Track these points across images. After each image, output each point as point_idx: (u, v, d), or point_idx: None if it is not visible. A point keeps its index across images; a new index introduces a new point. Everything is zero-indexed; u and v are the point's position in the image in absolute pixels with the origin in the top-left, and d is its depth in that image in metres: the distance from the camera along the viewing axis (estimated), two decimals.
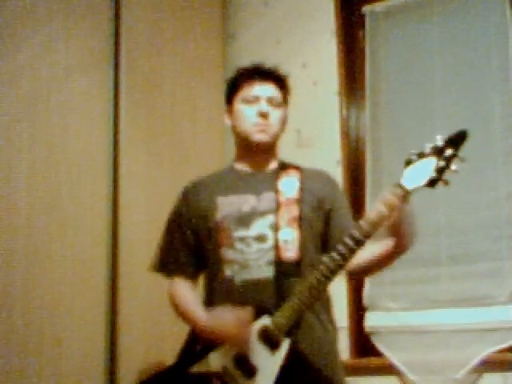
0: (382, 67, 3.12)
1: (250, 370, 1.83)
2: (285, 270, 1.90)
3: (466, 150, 1.74)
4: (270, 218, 1.97)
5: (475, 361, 2.62)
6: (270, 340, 1.83)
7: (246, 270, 1.93)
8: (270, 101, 2.05)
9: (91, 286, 2.63)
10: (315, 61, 3.23)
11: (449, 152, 1.72)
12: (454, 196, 2.76)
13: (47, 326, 2.46)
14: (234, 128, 2.11)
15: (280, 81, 2.11)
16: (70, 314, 2.54)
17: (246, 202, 2.01)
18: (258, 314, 1.85)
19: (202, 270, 2.09)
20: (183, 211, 2.10)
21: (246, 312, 1.83)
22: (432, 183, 1.72)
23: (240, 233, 1.97)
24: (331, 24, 3.21)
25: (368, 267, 1.98)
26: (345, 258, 1.78)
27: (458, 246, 2.82)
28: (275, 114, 2.06)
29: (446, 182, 1.72)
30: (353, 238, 1.77)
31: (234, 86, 2.11)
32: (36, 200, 2.49)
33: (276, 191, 2.02)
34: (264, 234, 1.96)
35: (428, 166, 1.73)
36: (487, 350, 2.62)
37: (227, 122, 2.14)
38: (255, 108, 2.04)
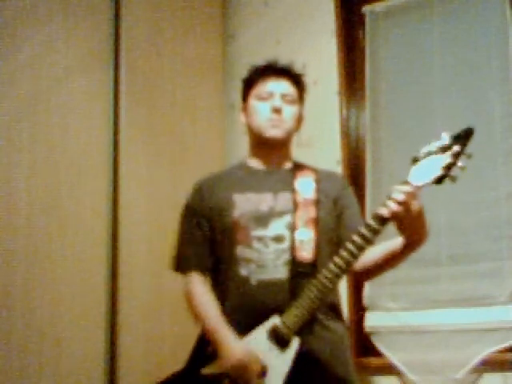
0: (381, 67, 3.12)
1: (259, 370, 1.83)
2: (300, 271, 1.91)
3: (470, 147, 1.75)
4: (288, 218, 1.98)
5: (475, 361, 2.62)
6: (279, 339, 1.84)
7: (262, 269, 1.92)
8: (283, 97, 2.05)
9: (91, 286, 2.63)
10: (315, 61, 3.23)
11: (456, 149, 1.73)
12: (454, 196, 2.76)
13: (47, 326, 2.46)
14: (248, 125, 2.11)
15: (294, 77, 2.10)
16: (70, 314, 2.54)
17: (264, 200, 2.00)
18: (270, 314, 1.86)
19: (214, 268, 2.06)
20: (198, 206, 2.07)
21: (258, 360, 1.83)
22: (440, 180, 1.73)
23: (258, 232, 1.96)
24: (331, 24, 3.21)
25: (375, 267, 1.98)
26: (353, 256, 1.79)
27: (458, 245, 2.81)
28: (289, 110, 2.05)
29: (454, 179, 1.73)
30: (361, 235, 1.78)
31: (248, 83, 2.11)
32: (36, 200, 2.49)
33: (293, 191, 2.02)
34: (281, 234, 1.96)
35: (435, 163, 1.73)
36: (487, 350, 2.61)
37: (242, 119, 2.13)
38: (269, 104, 2.04)
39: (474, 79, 2.89)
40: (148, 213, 2.87)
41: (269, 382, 1.82)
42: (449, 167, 1.72)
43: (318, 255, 1.95)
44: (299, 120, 2.11)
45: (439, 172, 1.72)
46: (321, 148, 3.15)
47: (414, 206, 1.73)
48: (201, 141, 3.17)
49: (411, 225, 1.78)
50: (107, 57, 2.85)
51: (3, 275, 2.37)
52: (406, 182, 1.75)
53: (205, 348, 1.93)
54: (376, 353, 2.86)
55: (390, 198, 1.74)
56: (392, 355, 2.80)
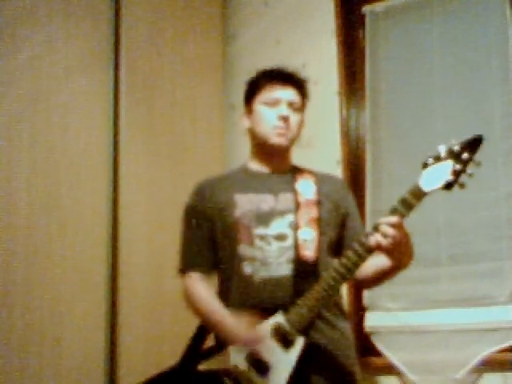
0: (381, 67, 3.12)
1: (262, 368, 1.84)
2: (303, 269, 1.93)
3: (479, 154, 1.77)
4: (290, 218, 2.00)
5: (475, 361, 2.61)
6: (283, 338, 1.84)
7: (266, 267, 1.94)
8: (290, 104, 2.07)
9: (91, 285, 2.63)
10: (315, 61, 3.23)
11: (465, 156, 1.75)
12: (454, 196, 2.74)
13: (47, 326, 2.46)
14: (251, 129, 2.11)
15: (301, 86, 2.12)
16: (70, 314, 2.54)
17: (264, 201, 2.02)
18: (273, 313, 1.86)
19: (216, 268, 2.08)
20: (199, 207, 2.09)
21: (262, 315, 1.85)
22: (449, 186, 1.76)
23: (260, 231, 1.98)
24: (331, 24, 3.21)
25: (367, 282, 2.04)
26: (361, 258, 1.80)
27: (458, 245, 2.81)
28: (294, 118, 2.07)
29: (463, 185, 1.77)
30: (363, 245, 1.80)
31: (254, 88, 2.11)
32: (36, 200, 2.49)
33: (294, 192, 2.05)
34: (284, 232, 1.98)
35: (445, 169, 1.76)
36: (487, 350, 2.61)
37: (245, 123, 2.13)
38: (275, 111, 2.05)
39: (474, 79, 2.89)
40: (148, 213, 2.87)
41: (273, 380, 1.82)
42: (458, 174, 1.75)
43: (320, 254, 1.97)
44: (301, 127, 2.13)
45: (449, 178, 1.75)
46: (321, 148, 3.15)
47: (401, 236, 1.76)
48: (201, 141, 3.17)
49: (397, 252, 1.82)
50: (107, 57, 2.85)
51: (3, 275, 2.37)
52: (416, 186, 1.76)
53: (201, 344, 1.94)
54: (376, 353, 2.86)
55: (377, 229, 1.76)
56: (392, 355, 2.80)
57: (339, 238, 2.07)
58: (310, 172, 2.15)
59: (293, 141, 2.10)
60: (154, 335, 2.79)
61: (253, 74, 2.17)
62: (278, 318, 1.86)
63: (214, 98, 3.28)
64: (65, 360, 2.49)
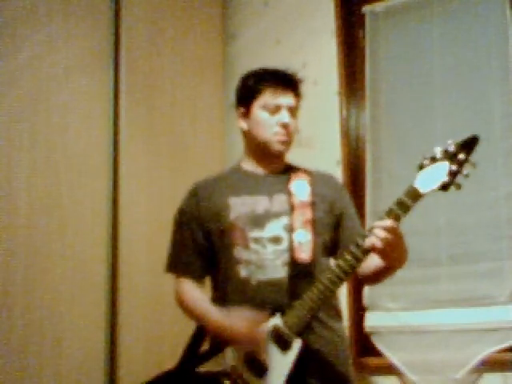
0: (381, 67, 3.12)
1: (260, 370, 1.84)
2: (299, 271, 1.92)
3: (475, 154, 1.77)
4: (284, 220, 1.99)
5: (475, 361, 2.62)
6: (281, 340, 1.84)
7: (261, 270, 1.94)
8: (290, 110, 2.06)
9: (91, 285, 2.63)
10: (315, 61, 3.23)
11: (461, 156, 1.75)
12: (454, 196, 2.74)
13: (47, 326, 2.46)
14: (249, 132, 2.10)
15: (298, 90, 2.11)
16: (70, 314, 2.54)
17: (259, 203, 2.02)
18: (270, 315, 1.86)
19: (210, 271, 2.08)
20: (193, 211, 2.08)
21: (260, 313, 1.85)
22: (445, 187, 1.76)
23: (255, 233, 1.97)
24: (331, 24, 3.21)
25: (367, 279, 2.04)
26: (357, 260, 1.80)
27: (458, 245, 2.81)
28: (294, 123, 2.07)
29: (459, 186, 1.76)
30: (360, 247, 1.80)
31: (253, 91, 2.08)
32: (36, 200, 2.49)
33: (288, 193, 2.04)
34: (279, 235, 1.97)
35: (441, 170, 1.75)
36: (487, 350, 2.61)
37: (242, 125, 2.11)
38: (276, 117, 2.04)
39: (474, 79, 2.89)
40: (148, 213, 2.87)
41: (270, 382, 1.82)
42: (454, 175, 1.75)
43: (316, 256, 1.96)
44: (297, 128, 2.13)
45: (445, 179, 1.75)
46: (321, 148, 3.15)
47: (395, 239, 1.76)
48: (201, 141, 3.17)
49: (391, 254, 1.81)
50: (107, 57, 2.84)
51: (3, 275, 2.36)
52: (412, 187, 1.75)
53: (199, 346, 1.94)
54: (376, 353, 2.86)
55: (371, 232, 1.76)
56: (392, 355, 2.80)
57: (335, 238, 2.06)
58: (305, 171, 2.13)
59: (291, 145, 2.10)
60: (154, 335, 2.79)
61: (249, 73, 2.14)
62: (275, 321, 1.85)
63: (214, 98, 3.28)
64: (65, 360, 2.49)
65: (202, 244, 2.06)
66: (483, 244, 2.76)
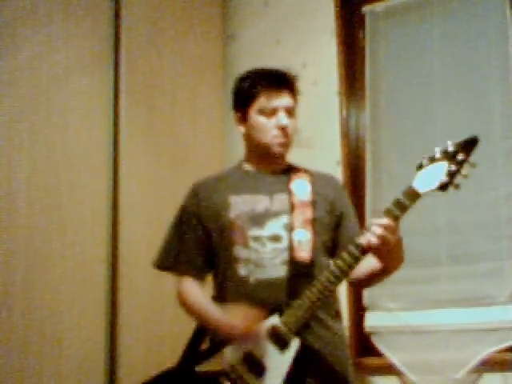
0: (381, 67, 3.12)
1: (258, 369, 1.84)
2: (298, 270, 1.92)
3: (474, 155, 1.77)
4: (284, 219, 1.99)
5: (475, 361, 2.62)
6: (279, 339, 1.84)
7: (261, 269, 1.94)
8: (287, 111, 2.04)
9: (91, 285, 2.63)
10: (315, 61, 3.23)
11: (460, 157, 1.74)
12: (454, 196, 2.74)
13: (47, 326, 2.46)
14: (248, 136, 2.09)
15: (294, 89, 2.09)
16: (70, 314, 2.54)
17: (259, 202, 2.01)
18: (269, 314, 1.86)
19: (211, 270, 2.08)
20: (193, 208, 2.08)
21: (259, 310, 1.85)
22: (443, 187, 1.75)
23: (254, 232, 1.97)
24: (331, 24, 3.21)
25: (361, 282, 2.04)
26: (356, 259, 1.80)
27: (457, 246, 2.81)
28: (292, 124, 2.06)
29: (457, 186, 1.76)
30: (358, 246, 1.80)
31: (248, 96, 2.06)
32: (36, 200, 2.49)
33: (289, 193, 2.04)
34: (278, 234, 1.97)
35: (439, 170, 1.75)
36: (487, 350, 2.61)
37: (240, 128, 2.11)
38: (274, 120, 2.03)
39: (474, 79, 2.89)
40: (148, 213, 2.87)
41: (268, 381, 1.82)
42: (453, 175, 1.74)
43: (315, 255, 1.96)
44: (297, 126, 2.11)
45: (444, 179, 1.74)
46: (321, 148, 3.15)
47: (392, 238, 1.76)
48: (201, 141, 3.17)
49: (388, 255, 1.82)
50: (107, 57, 2.85)
51: (3, 275, 2.37)
52: (411, 188, 1.76)
53: (199, 345, 1.94)
54: (376, 353, 2.87)
55: (369, 230, 1.76)
56: (392, 355, 2.80)
57: (334, 238, 2.06)
58: (306, 171, 2.13)
59: (292, 144, 2.09)
60: (154, 335, 2.79)
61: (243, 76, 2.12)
62: (274, 320, 1.85)
63: (214, 98, 3.28)
64: (65, 360, 2.49)
65: (203, 243, 2.05)
66: (483, 244, 2.76)
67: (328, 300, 1.92)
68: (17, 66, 2.50)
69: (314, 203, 2.02)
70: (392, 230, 1.75)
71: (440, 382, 2.67)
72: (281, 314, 1.85)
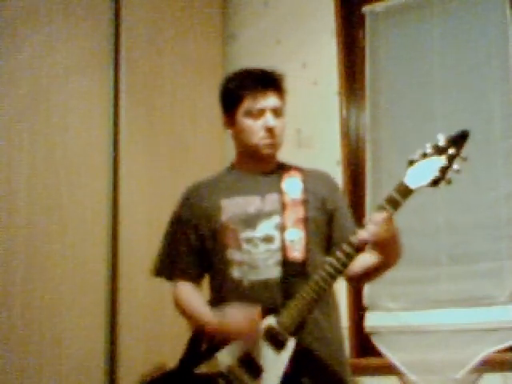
0: (381, 67, 3.12)
1: (255, 370, 1.84)
2: (292, 270, 1.91)
3: (466, 149, 1.75)
4: (276, 219, 1.98)
5: (475, 361, 2.62)
6: (275, 340, 1.83)
7: (254, 270, 1.93)
8: (274, 111, 2.03)
9: (91, 285, 2.63)
10: (315, 61, 3.23)
11: (451, 151, 1.74)
12: (454, 196, 2.76)
13: (47, 326, 2.46)
14: (237, 138, 2.09)
15: (280, 89, 2.07)
16: (70, 314, 2.54)
17: (251, 203, 2.01)
18: (264, 314, 1.86)
19: (206, 273, 2.09)
20: (186, 214, 2.08)
21: (254, 310, 1.84)
22: (435, 182, 1.74)
23: (247, 234, 1.97)
24: (331, 24, 3.21)
25: (359, 277, 2.02)
26: (349, 257, 1.79)
27: (457, 246, 2.81)
28: (279, 124, 2.05)
29: (449, 181, 1.74)
30: (351, 244, 1.79)
31: (234, 99, 2.07)
32: (36, 200, 2.49)
33: (280, 192, 2.03)
34: (271, 234, 1.97)
35: (431, 166, 1.74)
36: (487, 350, 2.61)
37: (229, 131, 2.12)
38: (260, 121, 2.02)
39: (474, 79, 2.90)
40: (148, 213, 2.87)
41: (265, 382, 1.82)
42: (445, 170, 1.73)
43: (309, 254, 1.95)
44: (285, 125, 2.09)
45: (435, 175, 1.74)
46: (321, 148, 3.15)
47: (386, 234, 1.75)
48: (201, 141, 3.17)
49: (383, 250, 1.82)
50: (107, 57, 2.84)
51: (3, 275, 2.36)
52: (402, 184, 1.75)
53: (198, 346, 1.94)
54: (376, 353, 2.87)
55: (364, 227, 1.76)
56: (392, 355, 2.80)
57: (328, 235, 2.04)
58: (297, 169, 2.12)
59: (280, 145, 2.08)
60: (154, 335, 2.79)
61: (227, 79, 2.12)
62: (269, 321, 1.85)
63: (214, 98, 3.26)
64: (65, 360, 2.49)
65: (196, 247, 2.06)
66: (483, 244, 2.76)
67: (324, 299, 1.91)
68: (17, 66, 2.50)
69: (305, 202, 2.01)
70: (385, 225, 1.75)
71: (440, 382, 2.67)
72: (276, 315, 1.85)
